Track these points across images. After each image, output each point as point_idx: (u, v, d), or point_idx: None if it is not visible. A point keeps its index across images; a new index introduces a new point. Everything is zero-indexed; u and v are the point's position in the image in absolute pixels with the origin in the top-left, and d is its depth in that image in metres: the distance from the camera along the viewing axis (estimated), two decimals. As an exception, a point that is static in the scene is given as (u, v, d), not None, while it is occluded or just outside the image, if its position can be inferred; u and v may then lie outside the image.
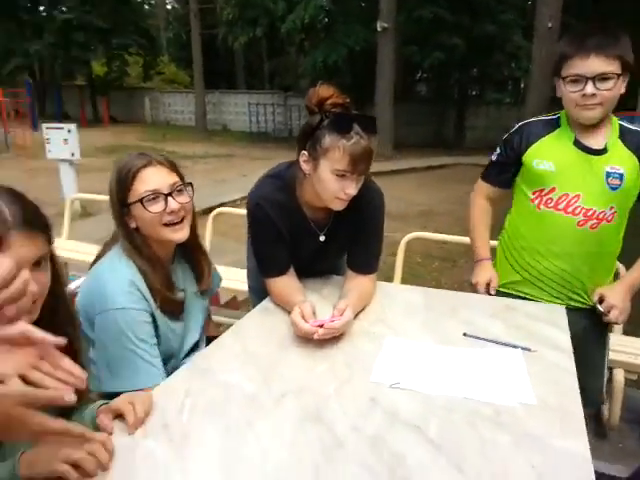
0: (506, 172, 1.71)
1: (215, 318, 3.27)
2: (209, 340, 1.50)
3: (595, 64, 1.40)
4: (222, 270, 3.09)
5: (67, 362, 0.83)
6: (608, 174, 1.50)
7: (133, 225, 1.31)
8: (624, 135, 1.52)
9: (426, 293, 1.73)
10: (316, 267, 1.71)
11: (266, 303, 1.60)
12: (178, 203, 1.30)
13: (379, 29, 12.62)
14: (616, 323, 1.60)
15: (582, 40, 1.43)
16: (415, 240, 2.64)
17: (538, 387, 1.13)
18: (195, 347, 1.49)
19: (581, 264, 1.59)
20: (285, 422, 1.03)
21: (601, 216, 1.53)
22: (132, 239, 1.31)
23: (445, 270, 4.69)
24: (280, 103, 19.32)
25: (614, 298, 1.55)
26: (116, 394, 1.12)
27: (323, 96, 1.34)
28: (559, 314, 1.52)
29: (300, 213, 1.52)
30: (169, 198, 1.29)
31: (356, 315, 1.45)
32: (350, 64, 15.49)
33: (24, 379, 0.78)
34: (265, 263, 1.58)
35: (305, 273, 1.65)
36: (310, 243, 1.58)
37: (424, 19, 13.86)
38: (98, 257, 1.37)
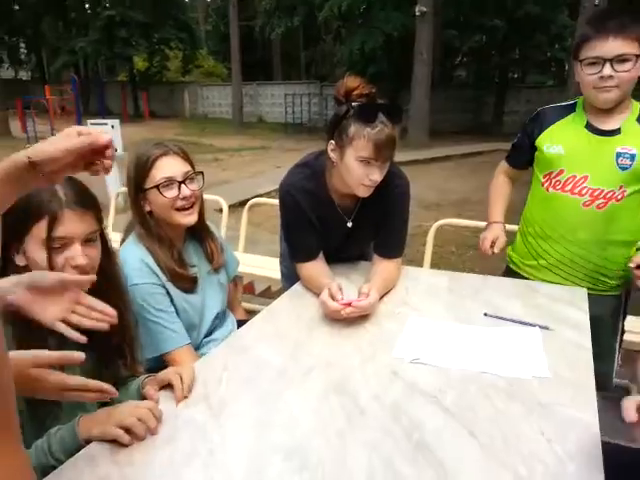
0: (523, 155, 1.78)
1: (250, 306, 3.42)
2: (240, 324, 1.61)
3: (613, 46, 1.41)
4: (257, 259, 3.26)
5: (99, 303, 0.96)
6: (619, 154, 1.51)
7: (147, 209, 1.43)
8: None
9: (450, 276, 1.79)
10: (344, 253, 1.79)
11: (297, 287, 1.70)
12: (190, 190, 1.41)
13: (417, 13, 12.40)
14: None
15: (602, 22, 1.45)
16: (449, 229, 2.68)
17: (554, 362, 1.19)
18: (217, 320, 1.59)
19: (594, 248, 1.60)
20: (312, 392, 1.13)
21: (609, 195, 1.54)
22: (144, 222, 1.43)
23: (479, 259, 4.68)
24: (316, 93, 19.35)
25: None
26: (156, 367, 1.25)
27: (350, 87, 1.42)
28: (580, 295, 1.56)
29: (329, 200, 1.61)
30: (182, 185, 1.40)
31: (381, 297, 1.53)
32: (387, 51, 15.34)
33: (65, 321, 0.91)
34: (295, 249, 1.67)
35: (334, 259, 1.74)
36: (338, 229, 1.66)
37: (464, 1, 13.58)
38: (122, 241, 1.51)
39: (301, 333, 1.39)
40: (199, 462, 0.92)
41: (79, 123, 15.12)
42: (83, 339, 0.92)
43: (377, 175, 1.44)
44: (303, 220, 1.59)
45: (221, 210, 3.25)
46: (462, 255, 4.77)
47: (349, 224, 1.65)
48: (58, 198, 1.04)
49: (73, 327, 0.92)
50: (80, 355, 0.87)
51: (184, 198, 1.40)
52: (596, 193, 1.55)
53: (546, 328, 1.37)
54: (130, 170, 1.43)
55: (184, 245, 1.53)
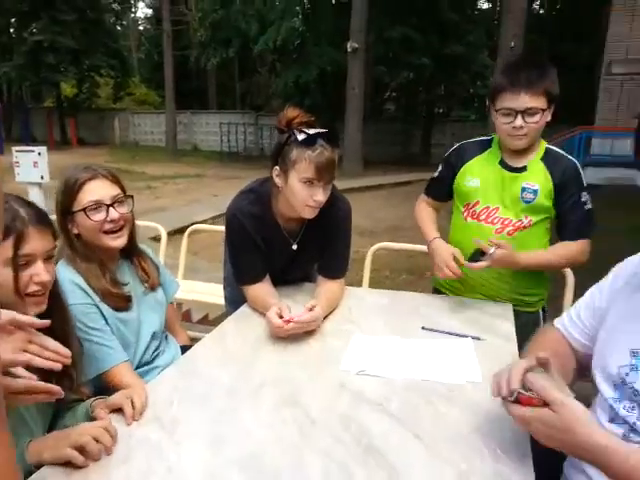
0: (443, 187, 1.90)
1: (189, 333, 3.37)
2: (184, 350, 1.61)
3: (524, 100, 1.58)
4: (196, 285, 3.24)
5: (52, 342, 0.95)
6: (523, 189, 1.69)
7: (75, 232, 1.43)
8: (547, 158, 1.71)
9: (390, 295, 1.90)
10: (290, 275, 1.85)
11: (243, 309, 1.74)
12: (118, 213, 1.42)
13: (349, 50, 12.98)
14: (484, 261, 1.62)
15: (514, 74, 1.61)
16: (383, 254, 2.78)
17: (485, 368, 1.30)
18: (154, 340, 1.58)
19: (508, 270, 1.73)
20: (263, 407, 1.16)
21: (517, 224, 1.71)
22: (72, 244, 1.43)
23: (412, 282, 4.88)
24: (251, 122, 19.57)
25: (504, 249, 1.61)
26: (99, 388, 1.25)
27: (290, 117, 1.51)
28: (505, 308, 1.71)
29: (274, 224, 1.67)
30: (110, 208, 1.41)
31: (326, 316, 1.60)
32: (321, 84, 15.85)
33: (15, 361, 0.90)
34: (241, 271, 1.72)
35: (280, 281, 1.79)
36: (284, 252, 1.72)
37: (394, 39, 14.31)
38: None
39: (248, 353, 1.43)
40: None
41: (1, 150, 14.40)
42: (32, 376, 0.91)
43: (320, 196, 1.52)
44: (249, 243, 1.65)
45: (157, 238, 3.21)
46: (395, 279, 4.95)
47: (294, 246, 1.71)
48: (21, 217, 1.06)
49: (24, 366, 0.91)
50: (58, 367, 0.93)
51: (112, 221, 1.41)
52: (506, 222, 1.73)
53: (477, 338, 1.48)
54: (58, 194, 1.43)
55: (117, 264, 1.53)
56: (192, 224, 4.81)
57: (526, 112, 1.59)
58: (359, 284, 2.92)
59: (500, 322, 1.59)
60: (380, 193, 10.58)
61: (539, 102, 1.59)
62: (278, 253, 1.72)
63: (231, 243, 1.70)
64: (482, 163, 1.78)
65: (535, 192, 1.68)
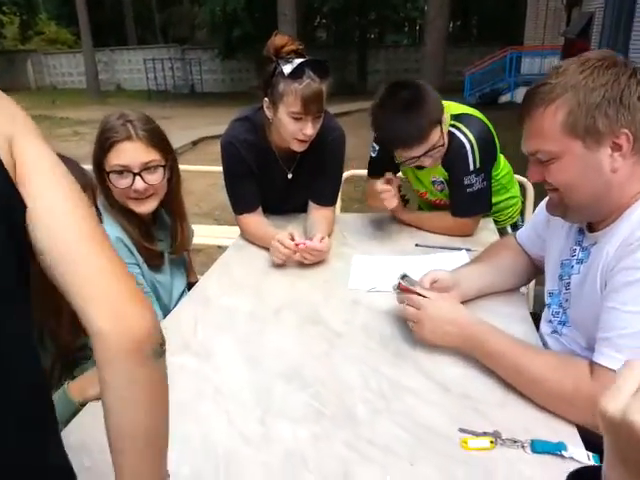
0: (386, 168, 1.73)
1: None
2: (190, 287, 1.63)
3: (409, 154, 1.54)
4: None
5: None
6: (433, 182, 1.77)
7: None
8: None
9: (375, 218, 1.95)
10: (285, 205, 1.87)
11: (238, 241, 1.76)
12: (145, 183, 1.30)
13: (277, -26, 12.32)
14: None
15: (390, 137, 1.55)
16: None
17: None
18: (181, 298, 1.56)
19: None
20: (288, 327, 1.22)
21: (443, 202, 1.82)
22: (108, 195, 1.34)
23: (364, 211, 4.97)
24: (178, 57, 18.52)
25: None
26: None
27: (278, 45, 1.47)
28: (486, 222, 1.80)
29: (269, 153, 1.67)
30: (137, 177, 1.30)
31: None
32: (249, 13, 15.06)
33: None
34: (238, 199, 1.72)
35: (275, 212, 1.82)
36: (279, 181, 1.73)
37: (323, -39, 13.67)
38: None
39: (257, 281, 1.47)
40: (209, 401, 0.98)
41: None
42: None
43: (310, 130, 1.52)
44: (245, 170, 1.65)
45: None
46: (348, 208, 5.04)
47: (289, 175, 1.73)
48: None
49: None
50: None
51: (136, 191, 1.31)
52: (436, 202, 1.85)
53: (469, 250, 1.59)
54: (95, 141, 1.34)
55: (156, 218, 1.48)
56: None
57: (417, 158, 1.55)
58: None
59: (485, 234, 1.70)
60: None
61: (426, 145, 1.52)
62: (274, 183, 1.73)
63: (227, 171, 1.69)
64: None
65: (443, 182, 1.74)
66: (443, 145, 1.56)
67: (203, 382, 1.04)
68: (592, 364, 0.89)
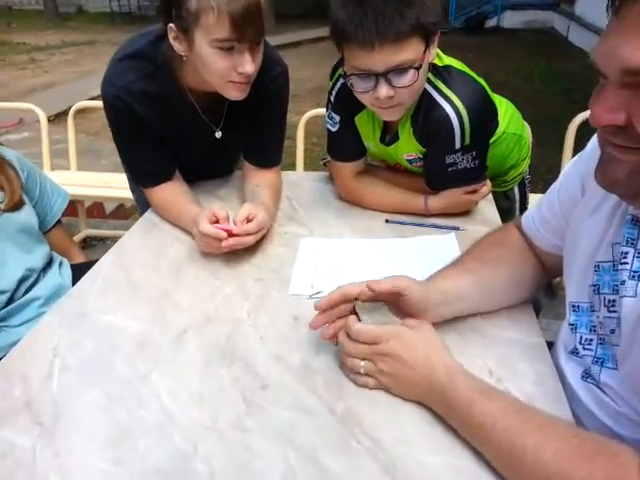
0: (352, 144, 1.30)
1: (100, 233, 2.90)
2: (77, 271, 1.20)
3: (383, 57, 0.97)
4: (98, 177, 2.69)
5: None
6: (409, 160, 1.26)
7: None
8: (417, 116, 1.16)
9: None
10: (212, 168, 1.41)
11: (150, 215, 1.31)
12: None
13: None
14: None
15: (357, 15, 0.95)
16: (310, 121, 2.34)
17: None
18: (24, 283, 1.16)
19: None
20: (190, 366, 0.81)
21: None
22: None
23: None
24: (142, -26, 16.91)
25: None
26: None
27: None
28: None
29: (185, 105, 1.18)
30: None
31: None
32: None
33: None
34: (138, 171, 1.26)
35: (198, 175, 1.36)
36: (203, 142, 1.26)
37: None
38: None
39: (164, 280, 1.04)
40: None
41: None
42: None
43: (248, 65, 1.02)
44: (143, 133, 1.17)
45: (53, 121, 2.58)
46: (324, 145, 4.55)
47: (218, 134, 1.25)
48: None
49: None
50: None
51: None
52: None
53: (456, 229, 1.17)
54: None
55: None
56: (91, 99, 4.10)
57: (391, 72, 1.00)
58: (287, 157, 2.50)
59: (480, 206, 1.27)
60: (298, 51, 9.67)
61: (406, 52, 0.98)
62: (196, 145, 1.26)
63: (119, 136, 1.21)
64: (364, 126, 1.26)
65: (420, 159, 1.24)
66: (420, 85, 1.08)
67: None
68: None
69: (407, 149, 1.22)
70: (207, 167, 1.38)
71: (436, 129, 1.12)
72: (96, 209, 3.27)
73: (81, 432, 0.70)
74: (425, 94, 1.12)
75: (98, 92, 1.16)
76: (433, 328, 0.76)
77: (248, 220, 1.06)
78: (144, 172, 1.25)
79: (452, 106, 1.10)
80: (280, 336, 0.87)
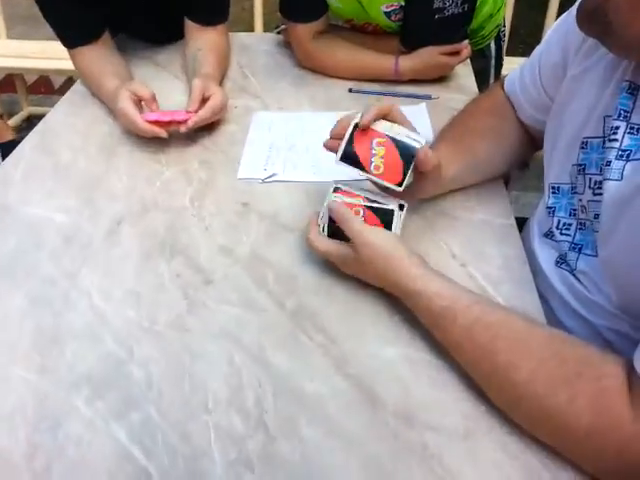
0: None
1: (45, 110, 2.62)
2: (8, 150, 1.06)
3: None
4: (40, 45, 2.37)
5: None
6: (387, 13, 1.06)
7: None
8: None
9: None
10: (151, 33, 1.21)
11: (79, 87, 1.13)
12: None
13: None
14: None
15: None
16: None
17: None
18: None
19: None
20: (124, 261, 0.73)
21: None
22: None
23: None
24: None
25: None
26: None
27: None
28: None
29: None
30: None
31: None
32: None
33: None
34: (60, 25, 1.05)
35: (133, 31, 1.17)
36: None
37: None
38: None
39: (95, 163, 0.91)
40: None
41: None
42: None
43: None
44: None
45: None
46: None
47: None
48: None
49: None
50: None
51: None
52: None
53: (427, 98, 1.05)
54: None
55: None
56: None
57: None
58: (246, 26, 2.22)
59: (456, 71, 1.13)
60: None
61: None
62: None
63: None
64: None
65: (402, 7, 1.05)
66: None
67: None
68: (632, 373, 0.46)
69: None
70: (144, 26, 1.18)
71: None
72: (43, 84, 2.95)
73: (1, 340, 0.63)
74: None
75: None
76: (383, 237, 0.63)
77: (203, 99, 0.91)
78: (65, 26, 1.04)
79: None
80: (227, 226, 0.78)
